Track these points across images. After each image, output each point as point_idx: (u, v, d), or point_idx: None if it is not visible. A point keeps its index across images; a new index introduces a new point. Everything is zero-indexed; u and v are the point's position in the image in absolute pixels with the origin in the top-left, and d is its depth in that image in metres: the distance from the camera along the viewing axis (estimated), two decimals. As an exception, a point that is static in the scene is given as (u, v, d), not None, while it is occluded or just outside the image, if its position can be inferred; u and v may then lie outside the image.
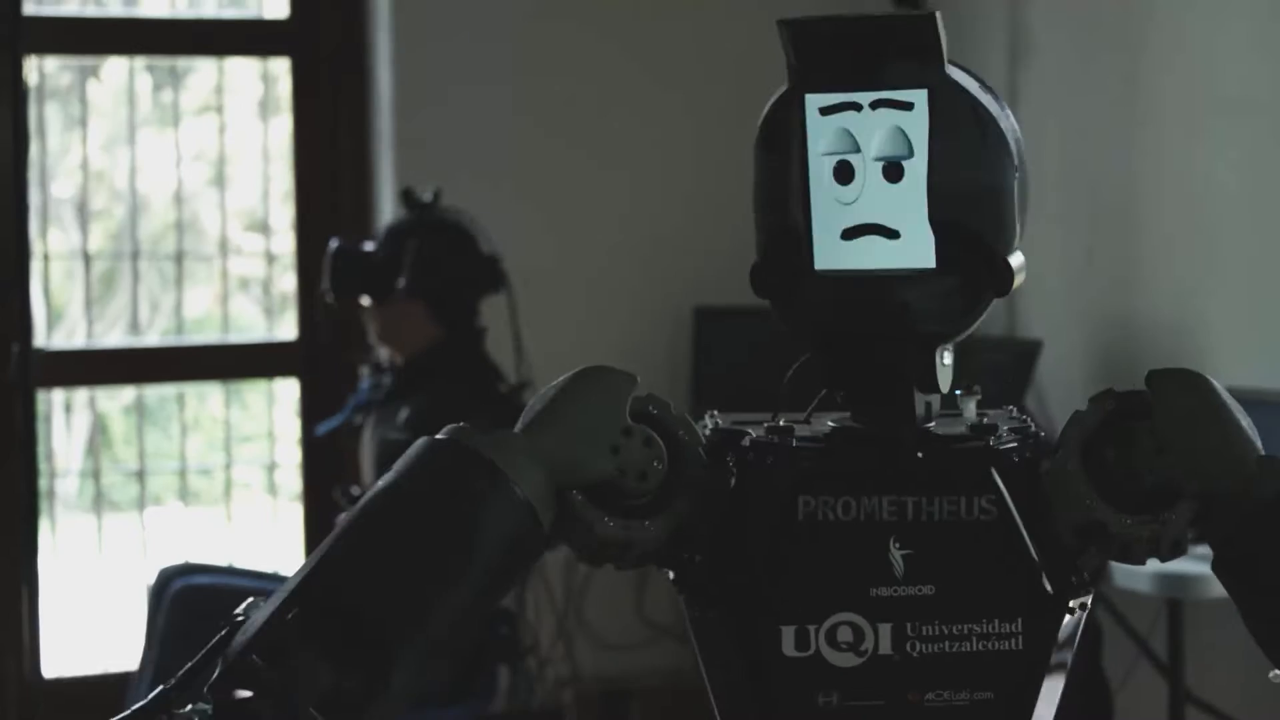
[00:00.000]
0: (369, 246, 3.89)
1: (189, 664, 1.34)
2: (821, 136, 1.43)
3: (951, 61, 1.44)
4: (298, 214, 4.71)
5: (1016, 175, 1.43)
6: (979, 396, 1.50)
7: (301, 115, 4.68)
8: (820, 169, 1.43)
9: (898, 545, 1.43)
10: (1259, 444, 1.42)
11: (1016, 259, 1.44)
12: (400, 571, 1.38)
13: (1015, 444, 1.46)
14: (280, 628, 1.33)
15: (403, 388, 3.81)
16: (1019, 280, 1.44)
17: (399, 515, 1.40)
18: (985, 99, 1.43)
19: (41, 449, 4.40)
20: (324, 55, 4.66)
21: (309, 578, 1.37)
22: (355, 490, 3.83)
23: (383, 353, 3.92)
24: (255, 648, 1.32)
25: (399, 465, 1.43)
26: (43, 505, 4.32)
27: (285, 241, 4.88)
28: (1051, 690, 1.46)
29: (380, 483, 1.42)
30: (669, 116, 4.78)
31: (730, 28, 4.83)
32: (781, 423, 1.49)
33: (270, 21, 4.75)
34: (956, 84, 1.41)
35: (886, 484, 1.44)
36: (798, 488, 1.44)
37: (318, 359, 4.65)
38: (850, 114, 1.42)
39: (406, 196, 3.89)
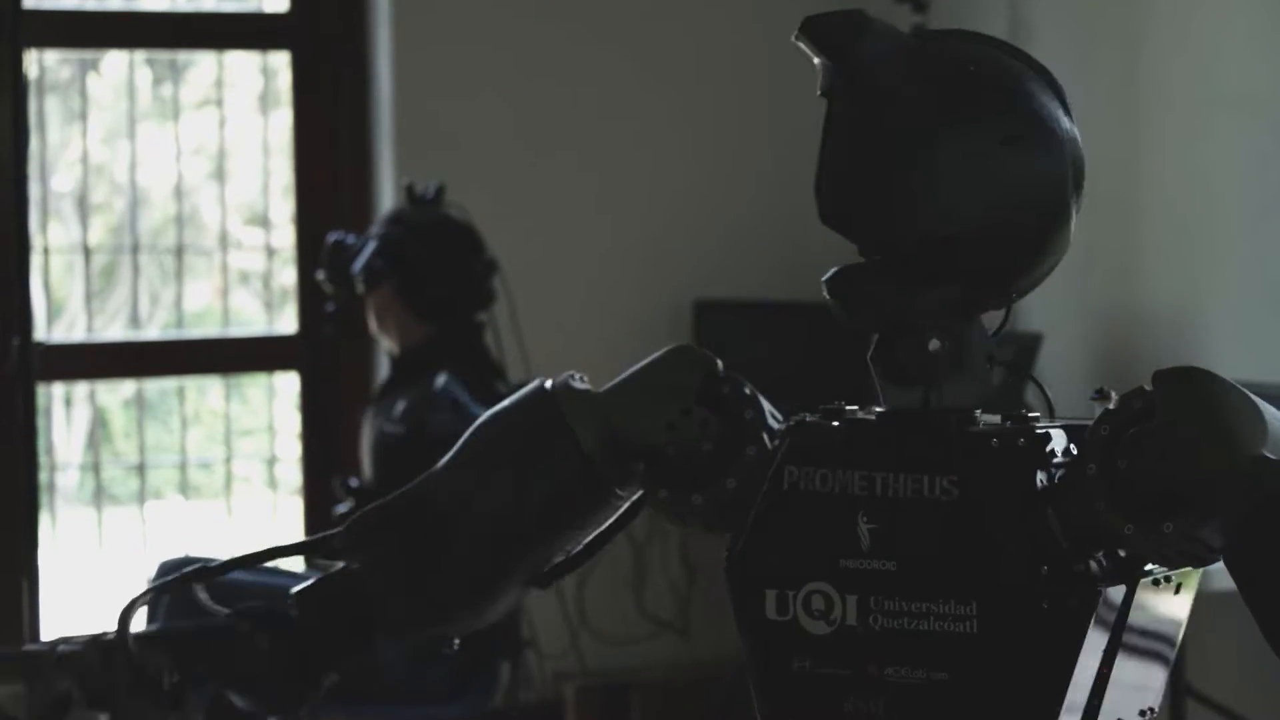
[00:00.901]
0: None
1: (317, 535, 1.67)
2: None
3: (925, 40, 1.49)
4: (298, 208, 4.71)
5: (926, 152, 1.44)
6: (1111, 403, 1.49)
7: (301, 109, 4.68)
8: None
9: (865, 519, 1.47)
10: (1270, 435, 1.40)
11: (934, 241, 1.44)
12: (468, 486, 1.61)
13: (1005, 432, 1.46)
14: (367, 514, 1.63)
15: (399, 380, 3.81)
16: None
17: (484, 440, 1.63)
18: (899, 85, 1.45)
19: (42, 443, 4.40)
20: (324, 49, 4.65)
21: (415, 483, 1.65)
22: (354, 483, 3.82)
23: (384, 343, 3.92)
24: (344, 523, 1.64)
25: (511, 397, 1.64)
26: (43, 499, 4.31)
27: (285, 235, 4.88)
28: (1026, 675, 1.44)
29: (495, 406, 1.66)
30: (670, 114, 4.77)
31: (729, 27, 4.82)
32: (845, 407, 1.55)
33: (270, 15, 4.75)
34: (854, 76, 1.46)
35: (858, 459, 1.48)
36: (785, 458, 1.51)
37: (318, 352, 4.65)
38: None
39: (409, 192, 3.88)
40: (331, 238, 3.93)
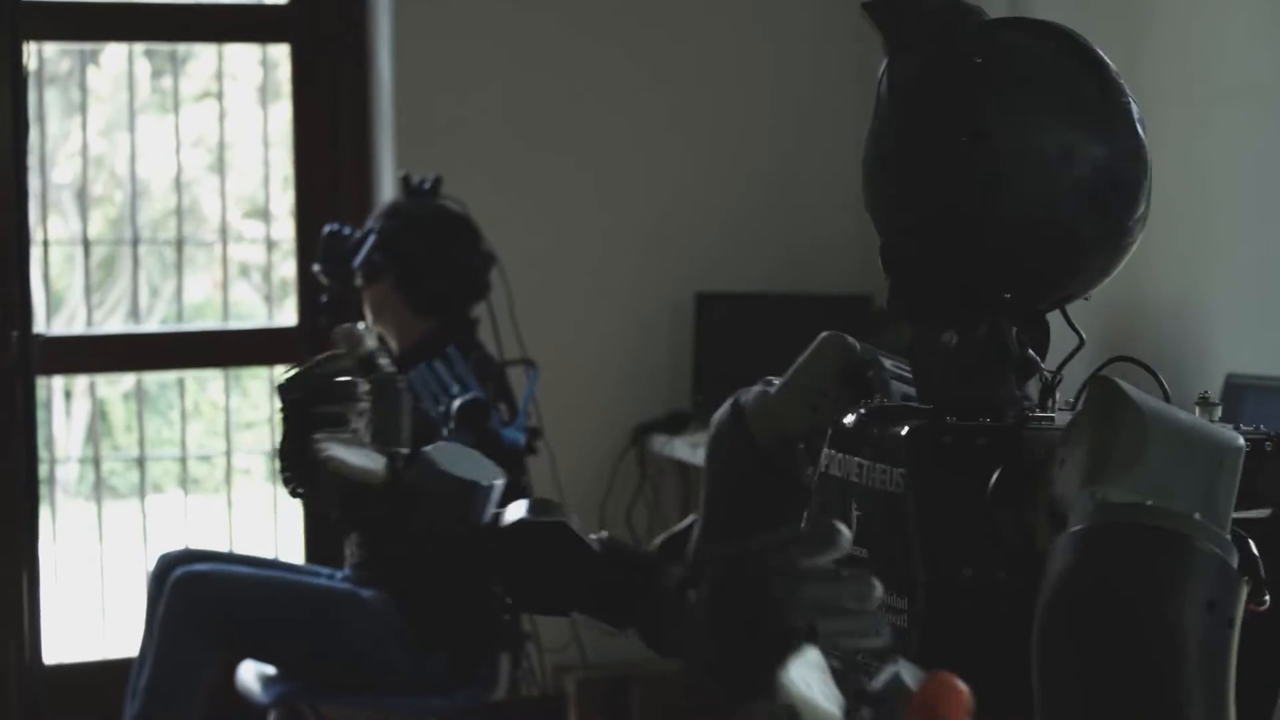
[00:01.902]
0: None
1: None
2: None
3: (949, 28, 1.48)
4: (298, 200, 4.70)
5: (902, 141, 1.44)
6: (1217, 408, 1.44)
7: (301, 101, 4.66)
8: None
9: (855, 505, 1.49)
10: (1137, 469, 1.28)
11: (875, 240, 1.47)
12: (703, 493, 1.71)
13: (966, 430, 1.44)
14: None
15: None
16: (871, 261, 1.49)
17: (705, 453, 1.72)
18: (913, 72, 1.45)
19: (41, 436, 4.39)
20: (324, 42, 4.64)
21: None
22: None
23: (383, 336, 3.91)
24: None
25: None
26: (43, 492, 4.31)
27: (285, 228, 4.87)
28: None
29: None
30: (671, 110, 4.77)
31: (729, 24, 4.81)
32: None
33: (270, 8, 4.74)
34: (889, 59, 1.46)
35: (856, 447, 1.50)
36: (826, 442, 1.55)
37: (318, 346, 4.63)
38: None
39: (405, 183, 3.87)
40: (327, 229, 3.91)
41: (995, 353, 1.49)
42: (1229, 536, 1.24)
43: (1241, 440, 1.30)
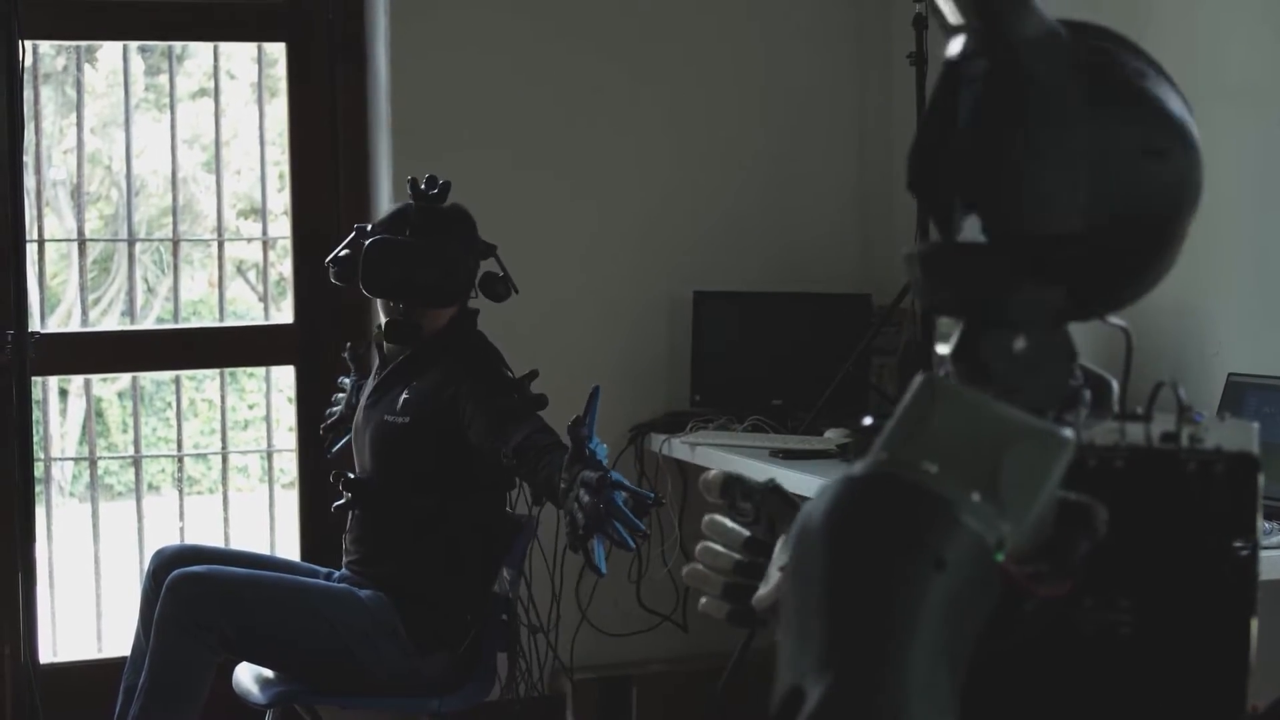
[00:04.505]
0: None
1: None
2: None
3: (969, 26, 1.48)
4: (294, 198, 4.68)
5: (1062, 145, 1.44)
6: (1193, 425, 1.45)
7: (298, 99, 4.65)
8: None
9: None
10: (902, 447, 1.31)
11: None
12: None
13: None
14: None
15: (399, 372, 3.78)
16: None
17: None
18: (1046, 69, 1.47)
19: (37, 435, 4.38)
20: (321, 39, 4.62)
21: None
22: (350, 475, 3.79)
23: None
24: None
25: None
26: (38, 491, 4.30)
27: (282, 226, 4.85)
28: None
29: None
30: (669, 114, 4.76)
31: (722, 31, 4.80)
32: None
33: (266, 4, 4.71)
34: (1003, 48, 1.46)
35: None
36: None
37: (315, 344, 4.62)
38: None
39: (413, 186, 3.80)
40: (370, 239, 3.79)
41: (1064, 365, 1.47)
42: (1011, 524, 1.24)
43: (1065, 433, 1.30)
